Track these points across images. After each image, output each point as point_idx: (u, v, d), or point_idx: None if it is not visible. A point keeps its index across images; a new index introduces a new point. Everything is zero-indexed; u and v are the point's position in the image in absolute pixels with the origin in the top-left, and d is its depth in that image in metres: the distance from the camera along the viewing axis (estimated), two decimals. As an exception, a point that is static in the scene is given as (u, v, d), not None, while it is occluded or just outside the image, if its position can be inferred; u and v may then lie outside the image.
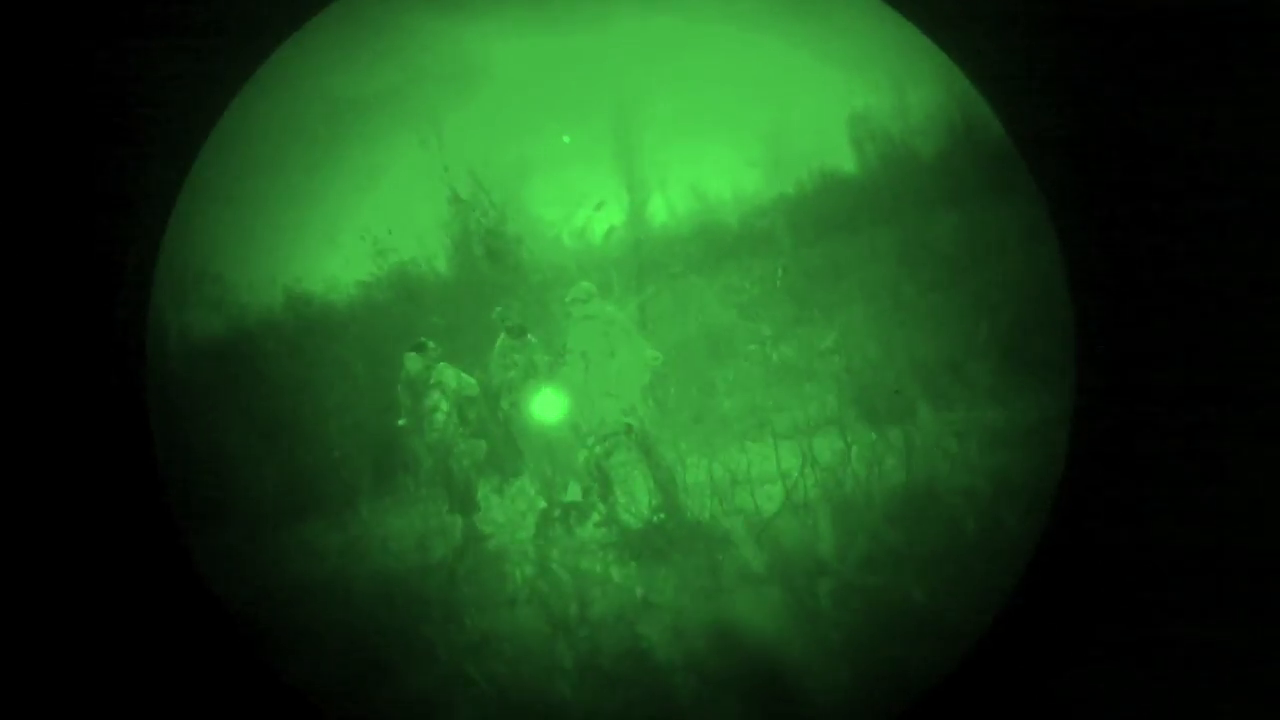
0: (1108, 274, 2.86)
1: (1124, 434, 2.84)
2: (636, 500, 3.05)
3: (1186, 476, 2.84)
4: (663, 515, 3.01)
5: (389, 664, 2.91)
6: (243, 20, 2.94)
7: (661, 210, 3.17)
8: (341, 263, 3.10)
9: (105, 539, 2.83)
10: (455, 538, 3.08)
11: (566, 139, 3.08)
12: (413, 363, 3.14)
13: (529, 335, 3.20)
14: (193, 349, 2.99)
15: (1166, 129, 2.87)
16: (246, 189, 3.01)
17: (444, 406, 3.14)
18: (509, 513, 3.12)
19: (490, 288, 3.20)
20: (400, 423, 3.13)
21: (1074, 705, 2.79)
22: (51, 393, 2.84)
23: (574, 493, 3.10)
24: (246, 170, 3.01)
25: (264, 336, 3.04)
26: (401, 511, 3.09)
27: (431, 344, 3.15)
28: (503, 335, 3.20)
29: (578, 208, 3.17)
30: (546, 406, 3.15)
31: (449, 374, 3.15)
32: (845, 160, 3.10)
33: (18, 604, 2.79)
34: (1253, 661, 2.82)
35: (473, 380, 3.17)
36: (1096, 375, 2.81)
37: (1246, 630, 2.81)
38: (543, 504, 3.11)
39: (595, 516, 3.06)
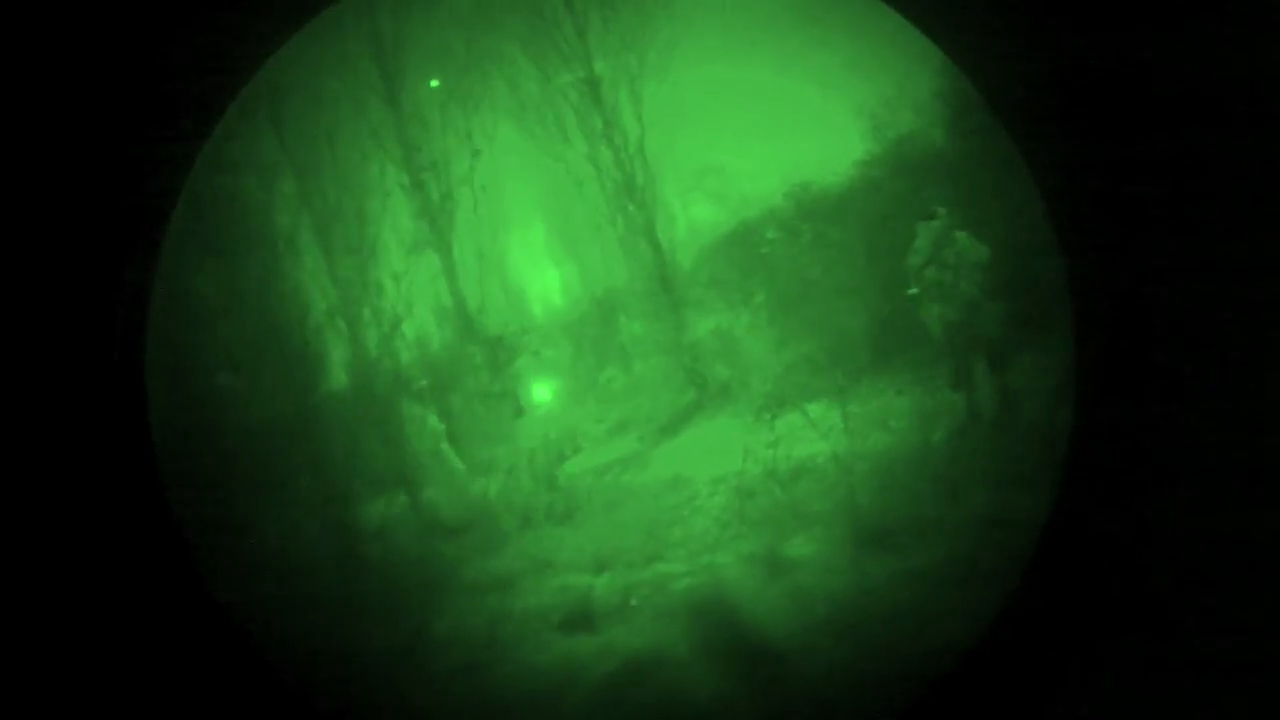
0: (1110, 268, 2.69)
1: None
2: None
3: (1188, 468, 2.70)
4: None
5: (895, 541, 3.00)
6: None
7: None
8: (838, 143, 3.05)
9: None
10: (959, 416, 3.07)
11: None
12: (925, 231, 3.07)
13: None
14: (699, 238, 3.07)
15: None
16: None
17: (954, 275, 3.07)
18: (1020, 384, 3.06)
19: (993, 155, 3.05)
20: (911, 291, 3.09)
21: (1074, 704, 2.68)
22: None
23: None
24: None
25: (764, 224, 3.07)
26: (904, 388, 3.10)
27: (942, 211, 3.06)
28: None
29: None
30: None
31: (962, 240, 3.06)
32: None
33: (17, 600, 2.73)
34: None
35: (985, 247, 3.07)
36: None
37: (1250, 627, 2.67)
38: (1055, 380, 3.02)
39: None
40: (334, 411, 2.95)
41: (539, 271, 3.04)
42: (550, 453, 2.98)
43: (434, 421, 2.99)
